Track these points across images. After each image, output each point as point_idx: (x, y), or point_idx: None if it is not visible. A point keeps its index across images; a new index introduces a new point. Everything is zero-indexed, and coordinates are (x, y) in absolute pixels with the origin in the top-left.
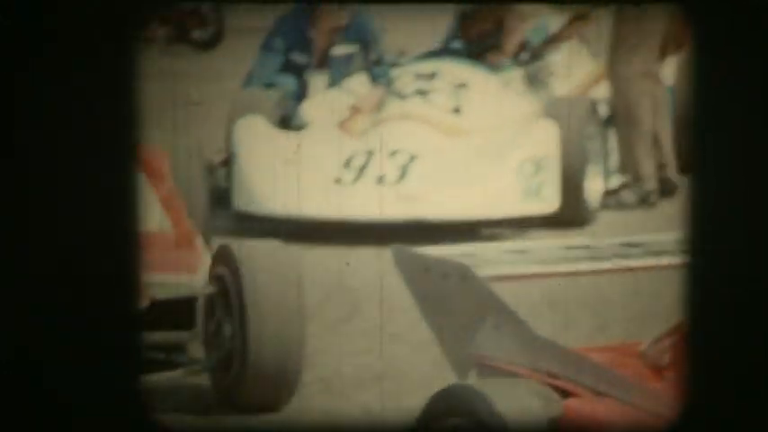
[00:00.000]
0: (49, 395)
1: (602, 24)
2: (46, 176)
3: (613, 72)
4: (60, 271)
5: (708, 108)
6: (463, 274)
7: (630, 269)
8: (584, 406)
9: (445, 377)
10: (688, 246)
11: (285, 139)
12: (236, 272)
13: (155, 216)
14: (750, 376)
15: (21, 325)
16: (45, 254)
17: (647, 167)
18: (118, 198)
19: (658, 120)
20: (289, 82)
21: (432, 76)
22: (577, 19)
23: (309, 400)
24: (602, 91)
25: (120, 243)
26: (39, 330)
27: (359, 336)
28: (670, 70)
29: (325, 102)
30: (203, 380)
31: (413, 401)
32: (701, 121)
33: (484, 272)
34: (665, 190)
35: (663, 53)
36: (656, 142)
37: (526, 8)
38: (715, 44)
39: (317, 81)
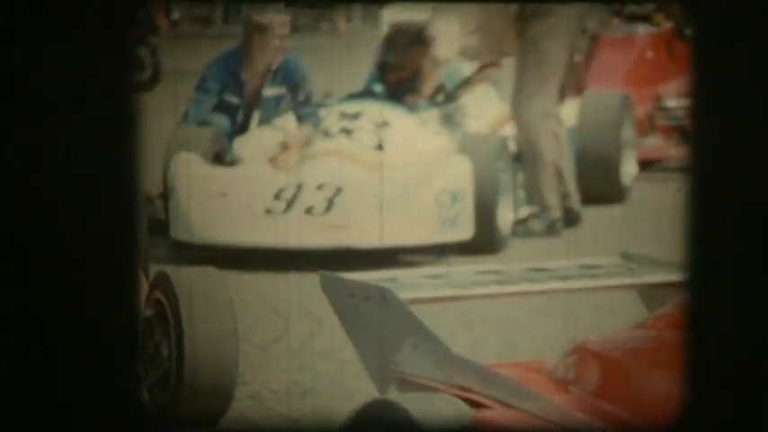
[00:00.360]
0: (49, 395)
1: (509, 70)
2: (45, 177)
3: (518, 113)
4: (60, 270)
5: (708, 108)
6: (384, 298)
7: (538, 292)
8: (494, 417)
9: (367, 392)
10: (688, 247)
11: (219, 173)
12: (172, 297)
13: None
14: (750, 377)
15: (21, 326)
16: (45, 254)
17: (552, 199)
18: (118, 198)
19: (560, 155)
20: (222, 120)
21: (356, 115)
22: (487, 65)
23: (242, 414)
24: (511, 129)
25: (120, 242)
26: (39, 331)
27: (288, 354)
28: (570, 111)
29: (256, 139)
30: (142, 396)
31: (338, 415)
32: (702, 121)
33: (404, 295)
34: (569, 219)
35: (562, 96)
36: (559, 176)
37: (441, 55)
38: (715, 44)
39: (249, 120)
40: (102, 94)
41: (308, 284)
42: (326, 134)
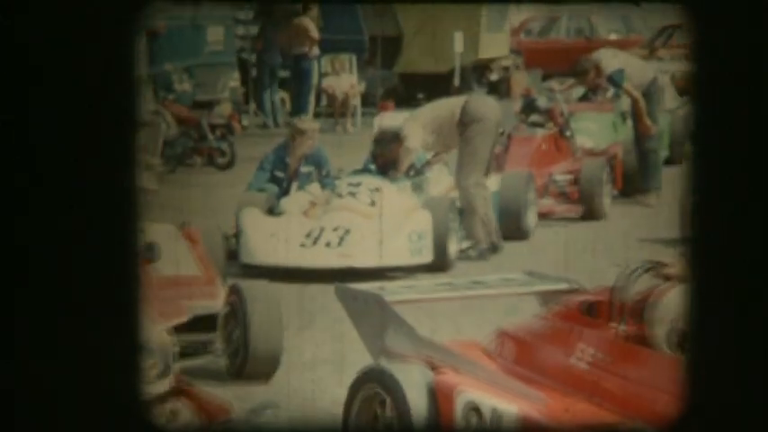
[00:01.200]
0: (48, 395)
1: (454, 156)
2: (46, 179)
3: (459, 183)
4: (62, 273)
5: (708, 108)
6: (376, 300)
7: (475, 296)
8: (448, 378)
9: (366, 360)
10: (690, 248)
11: (270, 220)
12: (241, 299)
13: (193, 266)
14: (750, 377)
15: (22, 327)
16: (47, 256)
17: (482, 236)
18: (119, 197)
19: (487, 210)
20: (273, 188)
21: (358, 184)
22: (440, 153)
23: (285, 374)
24: (456, 193)
25: (120, 242)
26: (41, 333)
27: (314, 335)
28: (494, 182)
29: (294, 199)
30: (222, 362)
31: (348, 375)
32: (702, 122)
33: (389, 298)
34: (494, 250)
35: (488, 173)
36: (486, 222)
37: (411, 147)
38: (715, 44)
39: (290, 187)
40: (103, 93)
41: (327, 292)
42: (339, 196)
